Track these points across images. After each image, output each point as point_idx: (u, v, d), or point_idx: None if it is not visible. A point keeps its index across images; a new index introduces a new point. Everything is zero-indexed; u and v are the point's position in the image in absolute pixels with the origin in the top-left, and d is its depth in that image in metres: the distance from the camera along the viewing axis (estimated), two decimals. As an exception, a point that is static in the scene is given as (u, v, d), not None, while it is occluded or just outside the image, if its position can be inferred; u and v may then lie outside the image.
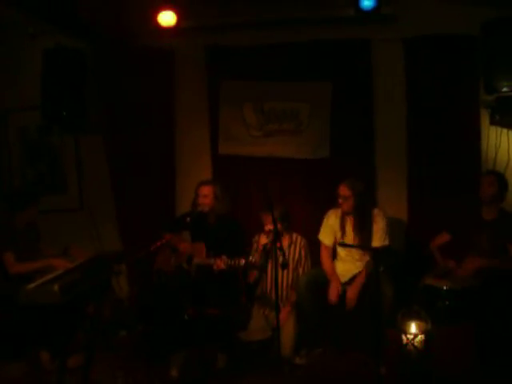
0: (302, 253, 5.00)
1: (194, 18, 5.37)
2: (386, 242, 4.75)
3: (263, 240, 4.91)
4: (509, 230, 4.51)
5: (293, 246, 5.00)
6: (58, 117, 5.33)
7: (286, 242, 4.90)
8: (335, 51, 5.53)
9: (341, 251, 4.94)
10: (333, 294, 4.70)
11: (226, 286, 4.73)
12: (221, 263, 4.52)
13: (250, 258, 4.54)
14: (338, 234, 4.89)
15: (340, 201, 4.77)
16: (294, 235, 5.06)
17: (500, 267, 4.35)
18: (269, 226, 4.79)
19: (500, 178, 4.64)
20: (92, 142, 6.03)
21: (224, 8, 5.41)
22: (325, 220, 5.00)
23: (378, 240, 4.73)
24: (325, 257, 4.95)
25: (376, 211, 4.86)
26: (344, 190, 4.73)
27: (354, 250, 4.83)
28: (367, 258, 4.74)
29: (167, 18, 5.00)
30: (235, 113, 5.77)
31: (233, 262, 4.51)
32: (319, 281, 4.77)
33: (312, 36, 5.49)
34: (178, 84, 5.89)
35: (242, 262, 4.50)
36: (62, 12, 4.79)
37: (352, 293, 4.65)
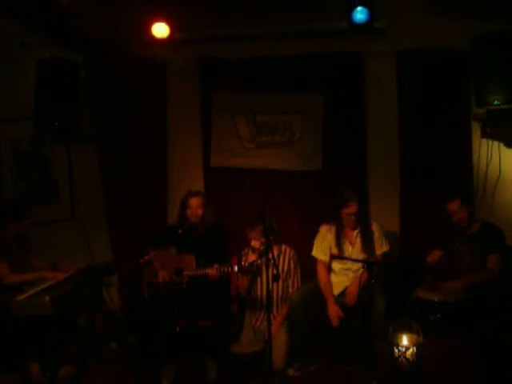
0: (292, 264, 4.99)
1: (187, 30, 5.38)
2: (388, 247, 4.84)
3: (251, 257, 4.90)
4: (489, 241, 4.52)
5: (282, 257, 5.00)
6: (51, 127, 5.31)
7: (274, 254, 4.88)
8: (327, 64, 5.55)
9: (335, 265, 4.94)
10: (334, 318, 4.67)
11: (217, 297, 4.73)
12: (213, 272, 4.53)
13: (243, 263, 4.57)
14: (335, 250, 4.86)
15: (353, 218, 4.77)
16: (283, 246, 5.05)
17: (481, 281, 4.38)
18: (254, 243, 4.80)
19: (464, 198, 4.60)
20: (84, 153, 6.02)
21: (217, 20, 5.43)
22: (318, 235, 5.00)
23: (379, 247, 4.81)
24: (322, 274, 4.91)
25: (371, 220, 4.94)
26: (355, 208, 4.72)
27: (350, 263, 4.81)
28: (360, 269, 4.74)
29: (160, 30, 5.01)
30: (228, 124, 5.77)
31: (225, 269, 4.52)
32: (312, 294, 4.77)
33: (304, 49, 5.51)
34: (171, 95, 5.89)
35: (235, 268, 4.52)
36: (55, 23, 4.79)
37: (353, 287, 4.69)
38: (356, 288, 4.67)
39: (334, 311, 4.69)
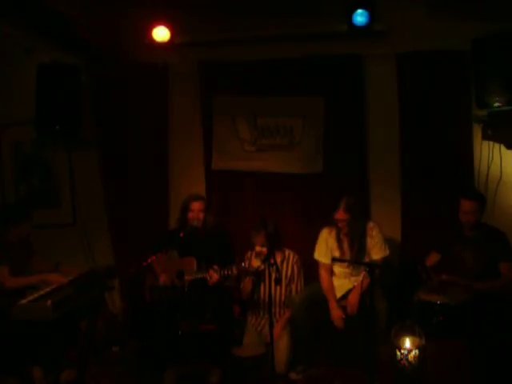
0: (295, 269, 4.99)
1: (188, 33, 5.41)
2: (387, 252, 4.79)
3: (255, 263, 4.88)
4: (493, 246, 4.47)
5: (285, 262, 4.99)
6: (52, 131, 5.33)
7: (278, 259, 4.86)
8: (328, 66, 5.55)
9: (335, 268, 4.94)
10: (337, 320, 4.67)
11: (219, 300, 4.72)
12: (214, 275, 4.53)
13: (243, 264, 4.59)
14: (336, 253, 4.87)
15: (340, 224, 4.77)
16: (287, 252, 5.05)
17: (497, 288, 4.35)
18: (258, 247, 4.80)
19: (482, 202, 4.55)
20: (85, 157, 6.03)
21: (217, 24, 5.45)
22: (319, 238, 4.99)
23: (378, 252, 4.77)
24: (324, 277, 4.90)
25: (371, 225, 4.87)
26: (342, 215, 4.72)
27: (349, 266, 4.82)
28: (362, 273, 4.73)
29: (161, 34, 5.04)
30: (228, 127, 5.77)
31: (226, 272, 4.53)
32: (314, 297, 4.76)
33: (305, 51, 5.52)
34: (172, 99, 5.89)
35: (235, 270, 4.52)
36: (57, 28, 4.80)
37: (353, 297, 4.67)
38: (356, 298, 4.65)
39: (337, 314, 4.68)
